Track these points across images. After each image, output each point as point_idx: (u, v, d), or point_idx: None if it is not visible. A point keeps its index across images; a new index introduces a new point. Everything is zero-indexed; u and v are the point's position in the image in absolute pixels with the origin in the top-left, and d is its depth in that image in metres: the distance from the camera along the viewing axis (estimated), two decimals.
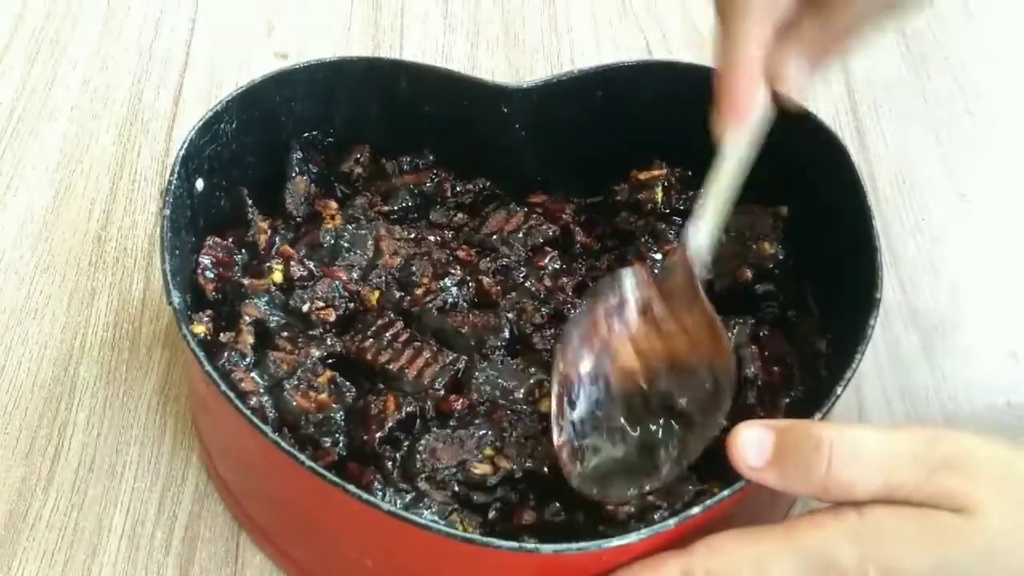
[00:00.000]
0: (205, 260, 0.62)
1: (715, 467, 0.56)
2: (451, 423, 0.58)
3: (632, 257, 0.65)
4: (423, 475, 0.55)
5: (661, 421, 0.57)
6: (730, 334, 0.61)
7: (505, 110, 0.68)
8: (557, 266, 0.67)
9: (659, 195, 0.68)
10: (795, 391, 0.60)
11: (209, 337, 0.59)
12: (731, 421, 0.53)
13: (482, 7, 0.91)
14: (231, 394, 0.52)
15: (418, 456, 0.56)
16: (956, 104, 0.85)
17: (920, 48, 0.89)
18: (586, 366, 0.58)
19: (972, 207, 0.79)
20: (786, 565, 0.49)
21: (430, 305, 0.63)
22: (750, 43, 0.53)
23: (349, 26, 0.89)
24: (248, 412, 0.52)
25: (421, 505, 0.54)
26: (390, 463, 0.56)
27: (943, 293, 0.74)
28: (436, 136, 0.70)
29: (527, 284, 0.65)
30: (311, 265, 0.63)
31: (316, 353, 0.60)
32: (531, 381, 0.60)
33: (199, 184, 0.62)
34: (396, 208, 0.69)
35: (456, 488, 0.56)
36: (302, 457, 0.50)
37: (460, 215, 0.70)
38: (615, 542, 0.49)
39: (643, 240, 0.66)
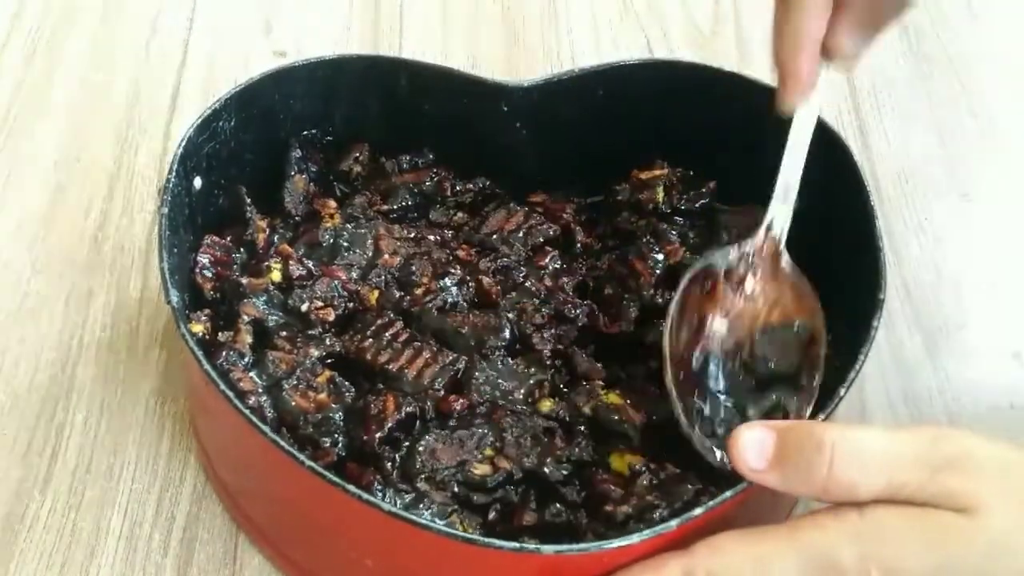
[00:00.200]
0: (203, 259, 0.62)
1: (714, 468, 0.57)
2: (451, 423, 0.57)
3: (633, 257, 0.65)
4: (423, 475, 0.55)
5: (768, 389, 0.58)
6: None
7: (505, 109, 0.68)
8: (557, 266, 0.66)
9: (660, 195, 0.68)
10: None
11: (207, 336, 0.59)
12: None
13: (482, 6, 0.91)
14: (230, 393, 0.52)
15: (418, 456, 0.56)
16: (959, 104, 0.85)
17: (923, 48, 0.89)
18: (690, 342, 0.59)
19: (975, 207, 0.79)
20: (787, 565, 0.48)
21: (430, 305, 0.63)
22: (811, 19, 0.55)
23: (349, 24, 0.89)
24: (247, 411, 0.51)
25: (421, 506, 0.54)
26: (390, 463, 0.56)
27: (946, 294, 0.74)
28: (436, 135, 0.70)
29: (527, 284, 0.65)
30: (310, 264, 0.63)
31: (315, 353, 0.59)
32: (531, 381, 0.60)
33: (197, 182, 0.62)
34: (395, 207, 0.68)
35: (456, 489, 0.55)
36: (301, 457, 0.49)
37: (460, 214, 0.70)
38: (616, 543, 0.49)
39: (645, 240, 0.66)
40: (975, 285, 0.74)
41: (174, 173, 0.59)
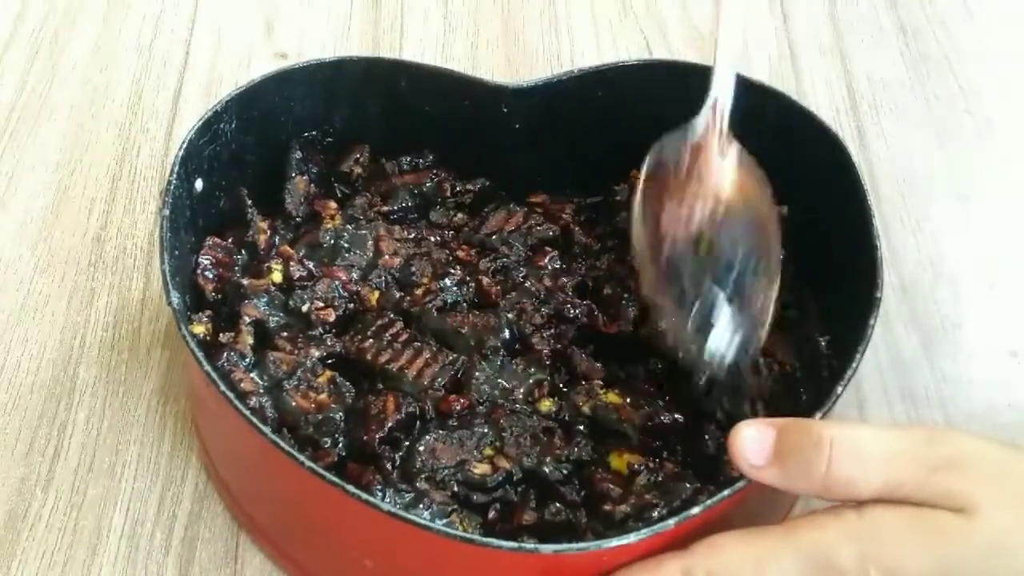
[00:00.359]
0: (205, 260, 0.62)
1: (715, 467, 0.57)
2: (451, 423, 0.58)
3: (631, 257, 0.65)
4: (423, 475, 0.55)
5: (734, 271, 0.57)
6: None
7: (505, 110, 0.68)
8: (557, 266, 0.67)
9: None
10: (796, 391, 0.60)
11: (208, 337, 0.59)
12: (730, 425, 0.53)
13: (482, 7, 0.91)
14: (230, 394, 0.52)
15: (418, 456, 0.56)
16: (956, 104, 0.85)
17: (920, 47, 0.89)
18: (654, 240, 0.58)
19: (972, 207, 0.79)
20: (786, 565, 0.49)
21: (430, 305, 0.63)
22: None
23: (349, 25, 0.89)
24: (247, 412, 0.51)
25: (421, 505, 0.54)
26: (390, 463, 0.56)
27: (943, 293, 0.74)
28: (436, 136, 0.70)
29: (527, 284, 0.65)
30: (311, 265, 0.63)
31: (316, 353, 0.60)
32: (531, 381, 0.61)
33: (199, 184, 0.62)
34: (396, 208, 0.69)
35: (456, 488, 0.56)
36: (302, 457, 0.49)
37: (460, 215, 0.70)
38: (615, 542, 0.49)
39: None
40: (972, 284, 0.74)
41: (175, 175, 0.59)
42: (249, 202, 0.65)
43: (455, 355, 0.61)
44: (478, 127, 0.69)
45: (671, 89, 0.67)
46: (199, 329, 0.59)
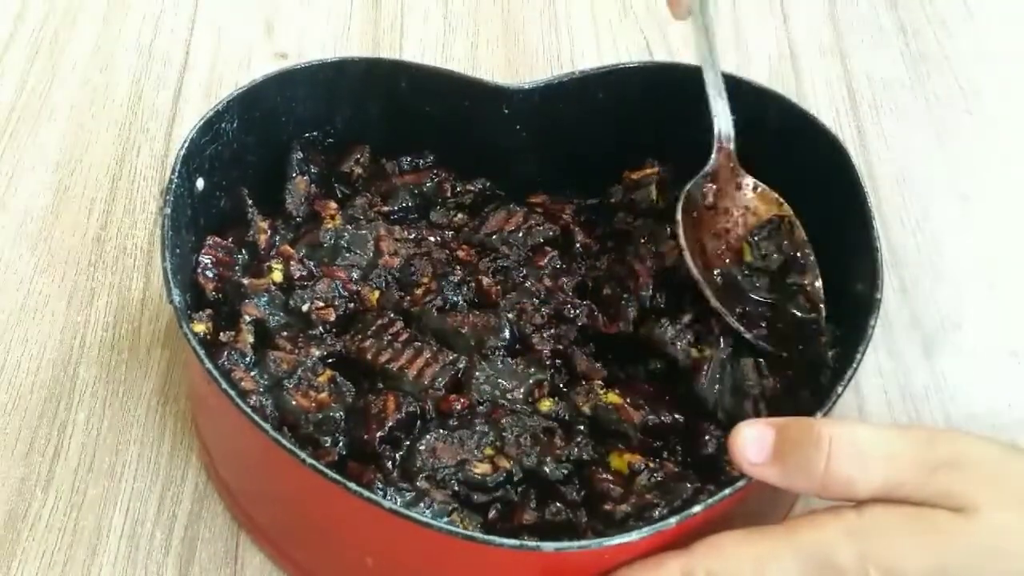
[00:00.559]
0: (205, 260, 0.62)
1: (715, 467, 0.57)
2: (451, 423, 0.58)
3: (631, 257, 0.65)
4: (423, 474, 0.55)
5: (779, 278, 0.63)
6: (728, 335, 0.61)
7: (505, 111, 0.68)
8: (557, 266, 0.67)
9: (653, 194, 0.68)
10: (795, 391, 0.60)
11: (209, 336, 0.59)
12: (730, 424, 0.53)
13: (482, 7, 0.91)
14: (231, 393, 0.52)
15: (418, 455, 0.56)
16: (956, 104, 0.85)
17: (920, 47, 0.89)
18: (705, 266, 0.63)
19: (972, 207, 0.79)
20: (786, 565, 0.49)
21: (430, 305, 0.63)
22: None
23: (349, 26, 0.89)
24: (248, 411, 0.51)
25: (421, 504, 0.54)
26: (390, 463, 0.56)
27: (944, 293, 0.74)
28: (436, 136, 0.70)
29: (527, 284, 0.65)
30: (311, 265, 0.63)
31: (316, 353, 0.60)
32: (531, 381, 0.61)
33: (199, 184, 0.62)
34: (396, 208, 0.69)
35: (456, 488, 0.56)
36: (303, 455, 0.50)
37: (460, 215, 0.70)
38: (616, 541, 0.49)
39: (642, 241, 0.66)
40: (973, 285, 0.74)
41: (176, 174, 0.59)
42: (250, 202, 0.65)
43: (455, 355, 0.61)
44: (478, 128, 0.69)
45: (671, 90, 0.67)
46: (200, 328, 0.59)
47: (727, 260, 0.64)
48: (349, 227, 0.66)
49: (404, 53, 0.87)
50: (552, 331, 0.63)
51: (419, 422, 0.58)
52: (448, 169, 0.70)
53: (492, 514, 0.55)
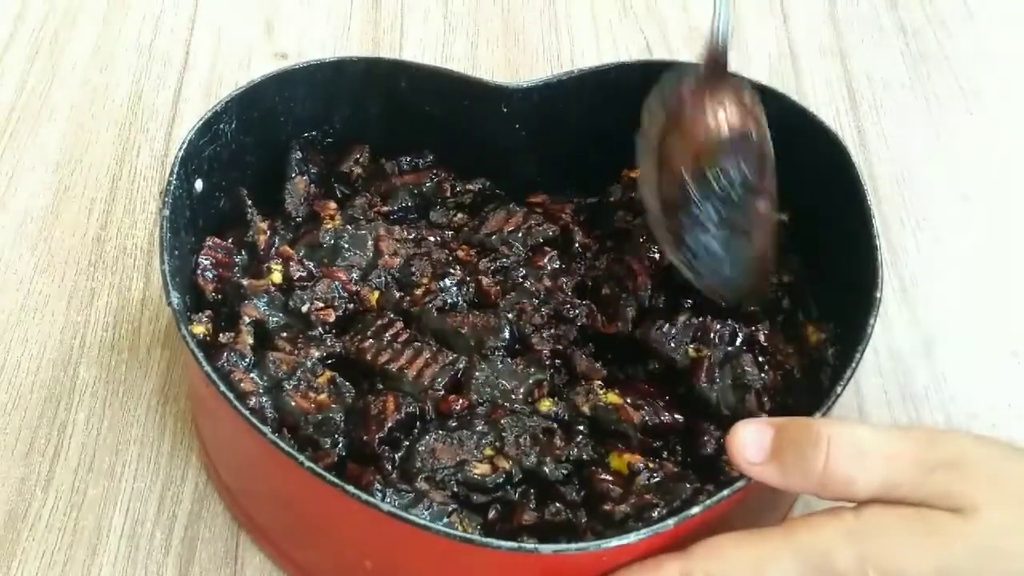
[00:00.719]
0: (204, 261, 0.62)
1: (714, 467, 0.57)
2: (451, 423, 0.58)
3: (630, 257, 0.65)
4: (423, 475, 0.55)
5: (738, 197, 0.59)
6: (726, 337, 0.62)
7: (505, 110, 0.68)
8: (557, 266, 0.67)
9: None
10: (795, 391, 0.60)
11: (208, 337, 0.59)
12: (733, 421, 0.53)
13: (482, 7, 0.91)
14: (230, 395, 0.52)
15: (418, 456, 0.56)
16: (956, 103, 0.85)
17: (920, 47, 0.89)
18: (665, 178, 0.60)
19: (973, 207, 0.79)
20: (785, 566, 0.49)
21: (430, 305, 0.63)
22: None
23: (349, 25, 0.89)
24: (247, 412, 0.51)
25: (421, 505, 0.54)
26: (390, 463, 0.56)
27: (943, 293, 0.74)
28: (436, 136, 0.70)
29: (527, 284, 0.65)
30: (311, 265, 0.63)
31: (316, 353, 0.60)
32: (531, 381, 0.61)
33: (198, 184, 0.62)
34: (396, 208, 0.69)
35: (456, 488, 0.56)
36: (301, 458, 0.50)
37: (460, 215, 0.70)
38: (614, 542, 0.49)
39: (641, 240, 0.66)
40: (973, 284, 0.74)
41: (175, 175, 0.59)
42: (249, 202, 0.65)
43: (455, 355, 0.61)
44: (478, 127, 0.69)
45: None
46: (199, 329, 0.59)
47: (689, 171, 0.59)
48: (349, 227, 0.66)
49: (404, 53, 0.87)
50: (552, 331, 0.63)
51: (419, 423, 0.58)
52: (448, 169, 0.70)
53: (492, 515, 0.55)
